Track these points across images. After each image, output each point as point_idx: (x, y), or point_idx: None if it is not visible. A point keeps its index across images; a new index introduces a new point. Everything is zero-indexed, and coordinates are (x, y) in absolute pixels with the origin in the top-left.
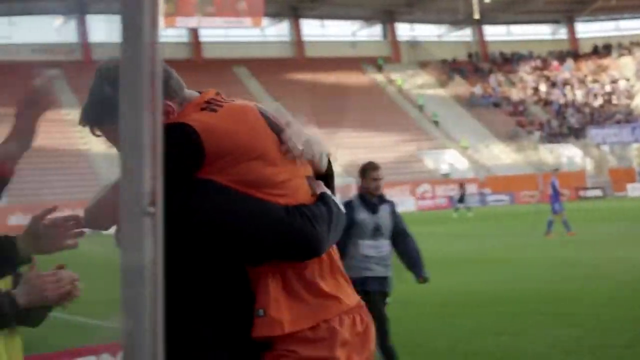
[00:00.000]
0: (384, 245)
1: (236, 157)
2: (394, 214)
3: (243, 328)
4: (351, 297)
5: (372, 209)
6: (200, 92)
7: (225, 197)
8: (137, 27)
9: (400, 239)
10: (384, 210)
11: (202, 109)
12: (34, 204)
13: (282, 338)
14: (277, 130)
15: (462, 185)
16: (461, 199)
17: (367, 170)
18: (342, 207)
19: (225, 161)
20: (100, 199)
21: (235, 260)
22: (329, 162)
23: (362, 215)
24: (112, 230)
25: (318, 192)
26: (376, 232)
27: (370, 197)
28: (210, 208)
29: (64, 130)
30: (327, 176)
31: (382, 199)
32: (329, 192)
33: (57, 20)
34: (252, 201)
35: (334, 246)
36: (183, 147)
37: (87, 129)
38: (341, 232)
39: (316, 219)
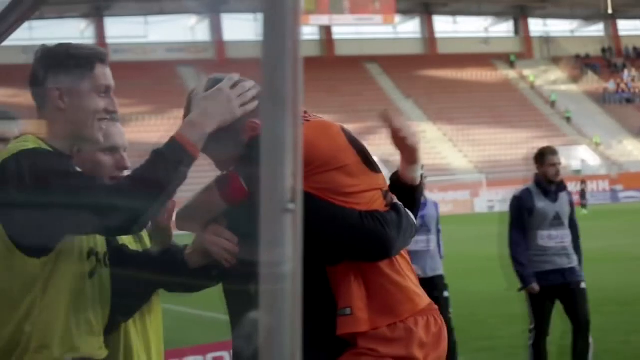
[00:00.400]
0: (565, 235)
1: (318, 167)
2: (571, 204)
3: (325, 326)
4: (423, 299)
5: (552, 196)
6: None
7: (305, 202)
8: (280, 25)
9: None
10: (563, 198)
11: None
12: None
13: (363, 336)
14: (356, 145)
15: (583, 182)
16: (583, 195)
17: (545, 155)
18: (413, 219)
19: (307, 170)
20: (190, 203)
21: (315, 261)
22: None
23: (542, 203)
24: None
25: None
26: (556, 221)
27: (548, 185)
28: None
29: None
30: (414, 188)
31: (560, 186)
32: (400, 203)
33: (192, 20)
34: (330, 206)
35: (405, 250)
36: None
37: None
38: (410, 240)
39: (387, 222)
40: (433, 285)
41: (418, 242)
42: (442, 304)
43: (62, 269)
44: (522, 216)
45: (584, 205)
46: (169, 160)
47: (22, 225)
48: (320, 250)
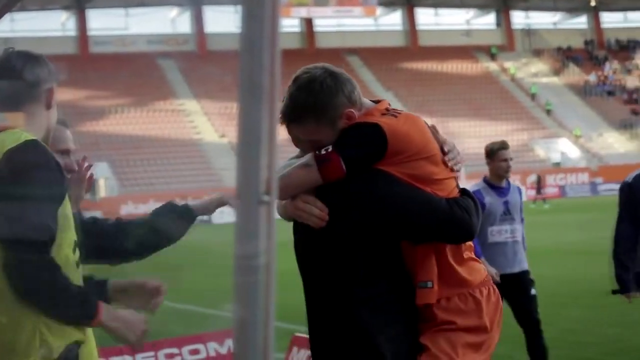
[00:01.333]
0: None
1: (411, 155)
2: None
3: (405, 298)
4: (482, 271)
5: None
6: (374, 101)
7: (399, 186)
8: (259, 17)
9: None
10: None
11: (383, 114)
12: (146, 193)
13: (440, 309)
14: (436, 137)
15: (539, 176)
16: (539, 190)
17: None
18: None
19: (400, 157)
20: (286, 173)
21: (397, 239)
22: None
23: None
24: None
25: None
26: None
27: None
28: (386, 193)
29: (177, 120)
30: None
31: None
32: (466, 188)
33: (173, 11)
34: (420, 191)
35: None
36: (373, 141)
37: (199, 118)
38: (480, 221)
39: (469, 210)
40: (519, 282)
41: (501, 233)
42: (529, 303)
43: (60, 261)
44: (633, 206)
45: (543, 200)
46: None
47: (26, 218)
48: (409, 230)
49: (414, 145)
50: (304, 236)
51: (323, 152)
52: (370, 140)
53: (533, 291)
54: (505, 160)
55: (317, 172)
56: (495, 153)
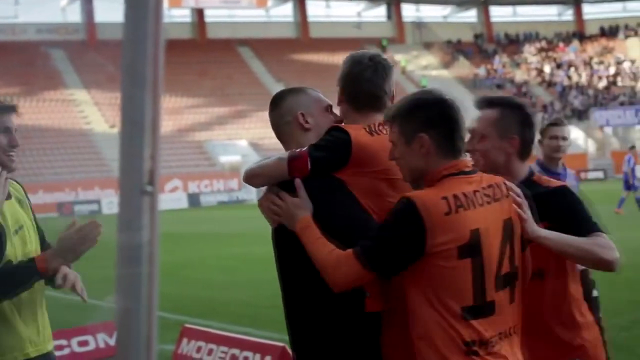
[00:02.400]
0: None
1: (369, 172)
2: None
3: (355, 309)
4: None
5: None
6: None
7: (341, 197)
8: (141, 8)
9: None
10: None
11: (367, 130)
12: (36, 183)
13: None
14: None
15: None
16: None
17: None
18: None
19: (360, 170)
20: (262, 163)
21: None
22: None
23: None
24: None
25: None
26: None
27: None
28: (326, 205)
29: (67, 110)
30: None
31: None
32: None
33: (63, 0)
34: (357, 207)
35: None
36: (339, 148)
37: (89, 108)
38: None
39: None
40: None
41: None
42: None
43: None
44: None
45: None
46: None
47: None
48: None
49: (377, 164)
50: (273, 229)
51: (298, 150)
52: (337, 146)
53: (595, 292)
54: (555, 137)
55: (286, 165)
56: (545, 130)
